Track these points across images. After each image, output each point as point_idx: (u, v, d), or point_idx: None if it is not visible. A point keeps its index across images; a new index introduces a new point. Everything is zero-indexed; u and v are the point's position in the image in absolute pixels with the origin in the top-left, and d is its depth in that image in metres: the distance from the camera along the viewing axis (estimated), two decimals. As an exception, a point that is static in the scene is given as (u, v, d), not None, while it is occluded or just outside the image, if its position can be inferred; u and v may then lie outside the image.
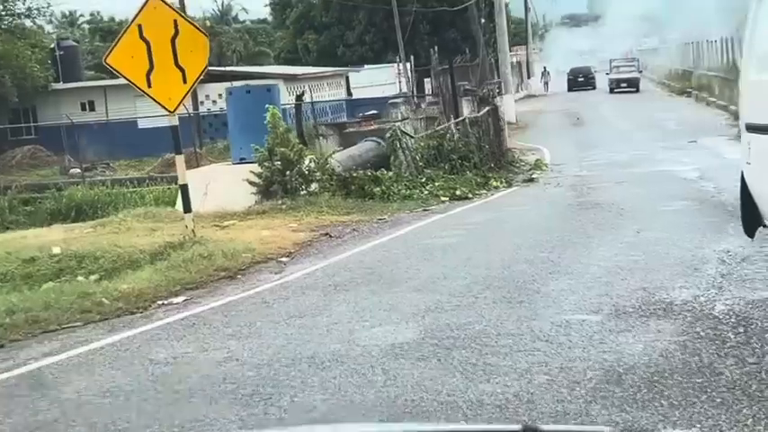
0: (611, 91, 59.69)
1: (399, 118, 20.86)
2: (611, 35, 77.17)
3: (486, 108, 24.04)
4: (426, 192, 19.91)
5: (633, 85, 59.53)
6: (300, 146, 19.89)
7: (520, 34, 64.80)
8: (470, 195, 19.86)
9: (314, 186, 19.51)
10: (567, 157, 26.56)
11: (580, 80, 64.36)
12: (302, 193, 19.31)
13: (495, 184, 21.41)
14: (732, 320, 8.38)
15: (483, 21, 42.79)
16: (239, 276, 12.71)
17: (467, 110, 31.21)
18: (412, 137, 21.18)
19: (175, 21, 14.17)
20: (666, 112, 41.65)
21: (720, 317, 8.53)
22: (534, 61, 67.24)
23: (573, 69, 71.17)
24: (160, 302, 11.30)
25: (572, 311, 9.08)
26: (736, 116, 37.86)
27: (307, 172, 19.40)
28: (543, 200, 18.59)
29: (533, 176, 22.43)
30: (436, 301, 9.91)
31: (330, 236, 15.67)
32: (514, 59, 54.67)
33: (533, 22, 74.77)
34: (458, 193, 19.83)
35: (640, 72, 62.50)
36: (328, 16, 62.40)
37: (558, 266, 11.45)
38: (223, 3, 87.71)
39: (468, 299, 9.93)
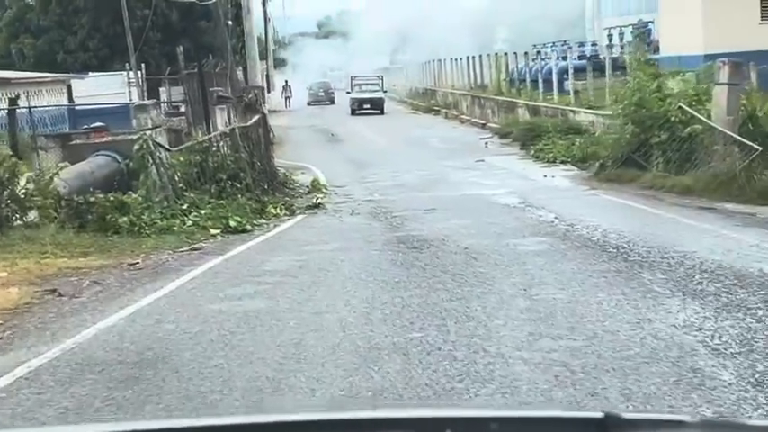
0: (353, 113, 50.11)
1: (150, 126, 15.46)
2: (362, 50, 72.70)
3: (256, 117, 19.07)
4: (190, 222, 14.64)
5: (377, 107, 50.31)
6: (15, 160, 14.13)
7: (260, 46, 60.04)
8: (249, 227, 14.79)
9: (33, 215, 13.80)
10: (344, 178, 22.03)
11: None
12: (17, 224, 13.58)
13: (274, 211, 16.44)
14: None
15: (230, 23, 37.75)
16: None
17: (220, 120, 25.99)
18: (168, 149, 15.84)
19: None
20: (423, 129, 38.28)
21: None
22: (274, 75, 62.45)
23: (313, 84, 67.50)
24: None
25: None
26: (497, 133, 35.37)
27: (23, 195, 13.67)
28: (349, 235, 13.84)
29: (318, 201, 17.67)
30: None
31: (60, 294, 10.19)
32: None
33: (275, 36, 70.00)
34: (232, 224, 14.70)
35: (385, 92, 54.25)
36: (47, 19, 54.86)
37: (453, 368, 6.73)
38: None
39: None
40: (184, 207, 15.11)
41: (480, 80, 44.48)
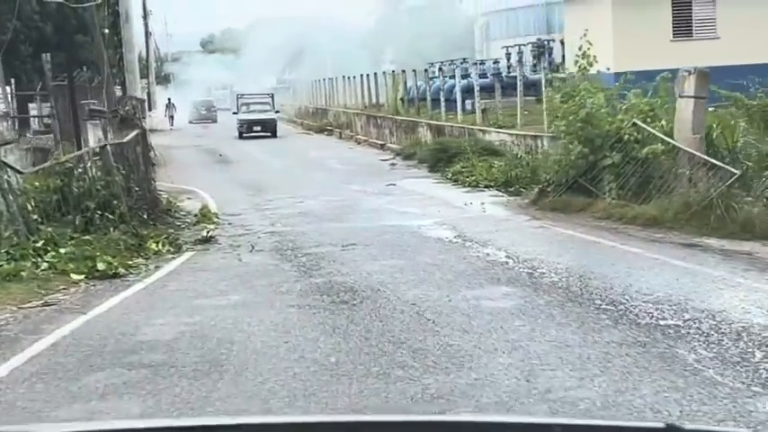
0: (241, 136, 43.84)
1: (-3, 141, 11.93)
2: (249, 69, 68.33)
3: (134, 132, 15.59)
4: (46, 265, 11.12)
5: (269, 130, 44.12)
6: None
7: (141, 63, 55.80)
8: (122, 270, 11.34)
9: None
10: (238, 204, 18.71)
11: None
12: None
13: (155, 247, 12.99)
14: None
15: (107, 31, 33.89)
16: None
17: (93, 138, 22.34)
18: (20, 172, 12.30)
19: None
20: (319, 149, 35.14)
21: None
22: (156, 92, 58.22)
23: (195, 102, 63.76)
24: None
25: None
26: (399, 154, 32.38)
27: None
28: (253, 281, 10.55)
29: (209, 234, 14.31)
30: None
31: None
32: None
33: (158, 52, 65.61)
34: (100, 266, 11.23)
35: (277, 112, 47.80)
36: None
37: None
38: None
39: None
40: (39, 245, 11.58)
41: (376, 99, 41.65)
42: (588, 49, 15.66)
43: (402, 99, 38.17)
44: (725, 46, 29.90)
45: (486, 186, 19.27)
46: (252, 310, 8.87)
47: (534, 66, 41.96)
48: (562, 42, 41.26)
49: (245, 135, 43.86)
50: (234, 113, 47.97)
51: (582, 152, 14.69)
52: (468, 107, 31.67)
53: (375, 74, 41.94)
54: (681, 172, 13.52)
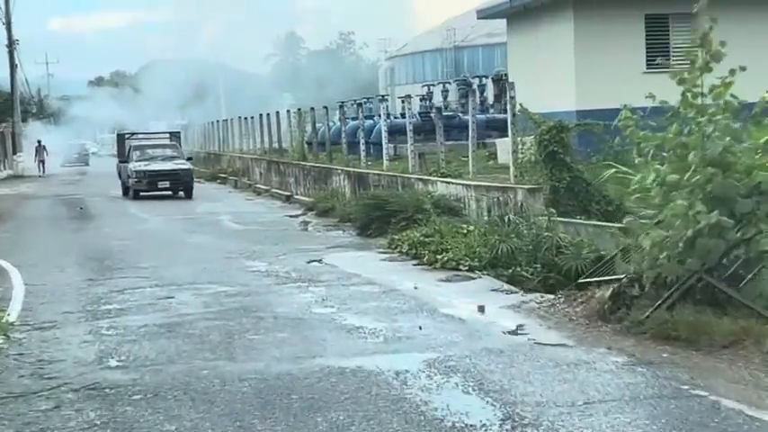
0: (136, 195, 28.05)
1: None
2: (137, 114, 58.51)
3: None
4: None
5: (182, 185, 28.56)
6: None
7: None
8: None
9: None
10: (62, 300, 10.52)
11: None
12: None
13: None
14: None
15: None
16: None
17: None
18: None
19: None
20: (211, 201, 26.99)
21: None
22: (22, 134, 48.48)
23: (67, 145, 56.01)
24: None
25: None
26: (311, 209, 24.43)
27: None
28: None
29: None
30: None
31: None
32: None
33: (27, 88, 55.76)
34: None
35: (189, 159, 31.50)
36: None
37: None
38: None
39: None
40: None
41: (278, 143, 33.75)
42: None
43: (309, 142, 30.36)
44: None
45: (469, 269, 11.58)
46: None
47: (463, 104, 34.99)
48: (497, 80, 34.41)
49: (143, 194, 28.03)
50: (121, 162, 31.13)
51: (716, 223, 7.12)
52: (391, 152, 24.21)
53: (277, 113, 34.02)
54: None
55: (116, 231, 18.62)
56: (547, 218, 12.90)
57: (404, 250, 13.15)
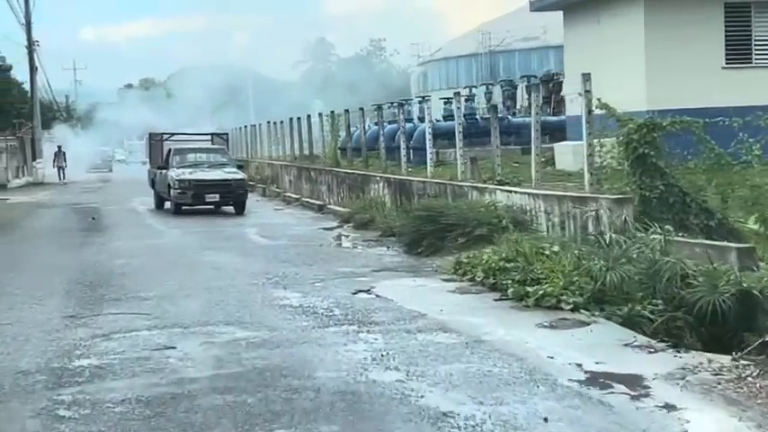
0: (178, 210, 22.81)
1: None
2: (169, 119, 55.12)
3: None
4: None
5: (235, 196, 23.32)
6: None
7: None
8: None
9: None
10: (24, 342, 7.57)
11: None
12: None
13: None
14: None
15: None
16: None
17: None
18: None
19: None
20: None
21: None
22: (49, 139, 45.81)
23: (93, 152, 53.98)
24: None
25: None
26: (346, 221, 21.54)
27: None
28: None
29: None
30: None
31: None
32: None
33: (50, 92, 53.23)
34: None
35: (240, 167, 25.96)
36: None
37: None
38: None
39: None
40: None
41: (309, 149, 30.78)
42: None
43: (343, 148, 27.35)
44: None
45: (573, 309, 8.49)
46: None
47: (507, 107, 31.88)
48: (547, 81, 31.28)
49: (186, 208, 22.79)
50: (159, 170, 24.86)
51: None
52: (431, 156, 21.15)
53: (308, 116, 31.02)
54: None
55: (125, 246, 15.69)
56: (662, 236, 9.81)
57: (477, 278, 10.03)
